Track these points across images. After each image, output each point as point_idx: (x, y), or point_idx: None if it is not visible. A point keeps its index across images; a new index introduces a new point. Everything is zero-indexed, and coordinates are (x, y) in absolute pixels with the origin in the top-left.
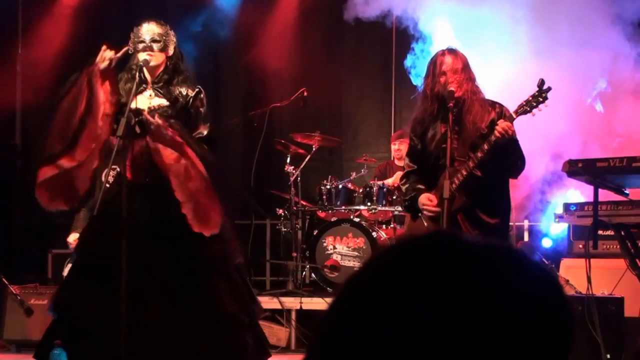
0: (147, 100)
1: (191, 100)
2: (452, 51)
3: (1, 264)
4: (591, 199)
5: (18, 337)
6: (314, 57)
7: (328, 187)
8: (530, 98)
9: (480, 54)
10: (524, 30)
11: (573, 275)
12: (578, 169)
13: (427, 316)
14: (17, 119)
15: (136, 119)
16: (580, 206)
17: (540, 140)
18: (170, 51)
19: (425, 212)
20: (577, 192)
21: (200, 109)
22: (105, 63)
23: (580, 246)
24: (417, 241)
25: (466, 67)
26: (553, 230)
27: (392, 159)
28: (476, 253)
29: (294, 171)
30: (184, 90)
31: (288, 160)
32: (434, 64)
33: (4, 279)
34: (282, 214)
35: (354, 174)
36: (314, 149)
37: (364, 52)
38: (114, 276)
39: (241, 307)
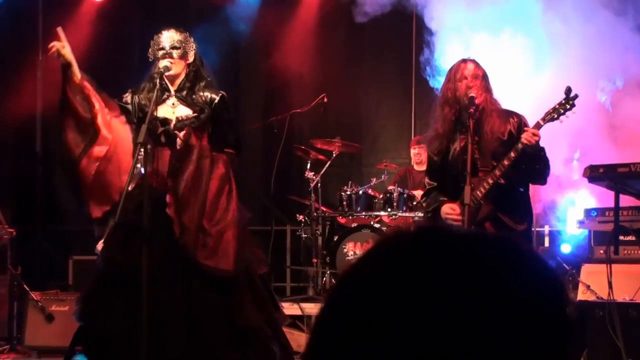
0: (170, 109)
1: (216, 106)
2: (473, 60)
3: (22, 271)
4: (604, 201)
5: (39, 343)
6: (333, 63)
7: (348, 193)
8: (557, 106)
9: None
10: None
11: (594, 280)
12: (599, 174)
13: (415, 312)
14: (37, 125)
15: (162, 128)
16: (601, 212)
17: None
18: (190, 58)
19: (448, 222)
20: (587, 192)
21: (225, 115)
22: (55, 55)
23: (602, 252)
24: (408, 236)
25: (485, 77)
26: (570, 234)
27: (412, 164)
28: (466, 245)
29: (314, 177)
30: (207, 95)
31: (308, 166)
32: (455, 70)
33: (24, 286)
34: (303, 220)
35: (374, 180)
36: (334, 155)
37: (383, 58)
38: (137, 288)
39: (265, 319)
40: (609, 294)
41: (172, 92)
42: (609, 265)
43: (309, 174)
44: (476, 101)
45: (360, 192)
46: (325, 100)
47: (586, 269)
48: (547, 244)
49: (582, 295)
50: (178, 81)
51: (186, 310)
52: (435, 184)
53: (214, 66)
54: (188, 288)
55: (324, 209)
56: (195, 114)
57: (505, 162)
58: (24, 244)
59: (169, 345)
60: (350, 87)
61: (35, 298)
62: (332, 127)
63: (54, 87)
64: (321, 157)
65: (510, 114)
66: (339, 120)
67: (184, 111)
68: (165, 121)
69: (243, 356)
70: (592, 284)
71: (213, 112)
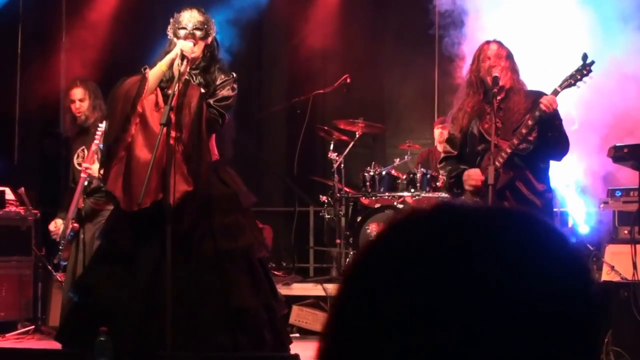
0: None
1: (224, 83)
2: (497, 41)
3: (46, 252)
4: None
5: None
6: (356, 44)
7: (371, 173)
8: (575, 72)
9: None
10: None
11: (618, 261)
12: (623, 154)
13: (437, 292)
14: (61, 107)
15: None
16: (626, 192)
17: None
18: (210, 40)
19: (466, 186)
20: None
21: (228, 89)
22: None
23: (626, 232)
24: (425, 214)
25: (510, 57)
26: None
27: (435, 145)
28: (487, 221)
29: (337, 158)
30: (221, 77)
31: (331, 147)
32: (479, 51)
33: (49, 267)
34: (326, 200)
35: (397, 161)
36: (357, 136)
37: (406, 38)
38: (135, 264)
39: (261, 303)
40: (633, 275)
41: (187, 71)
42: (633, 246)
43: (332, 155)
44: (500, 82)
45: (384, 172)
46: (348, 81)
47: (610, 250)
48: (570, 224)
49: (606, 275)
50: (195, 61)
51: (182, 287)
52: (455, 152)
53: (237, 48)
54: (186, 266)
55: (347, 190)
56: (205, 90)
57: (523, 130)
58: (48, 227)
59: (162, 320)
60: (373, 68)
61: (59, 279)
62: (355, 108)
63: (77, 67)
64: (344, 137)
65: (537, 94)
66: (362, 101)
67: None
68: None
69: (233, 339)
70: (617, 264)
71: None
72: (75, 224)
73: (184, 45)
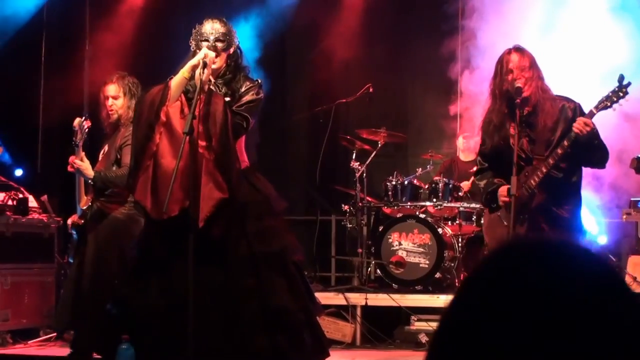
0: None
1: (249, 89)
2: (518, 49)
3: (68, 259)
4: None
5: None
6: (379, 53)
7: (393, 183)
8: (611, 94)
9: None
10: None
11: None
12: None
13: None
14: (84, 112)
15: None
16: None
17: None
18: (232, 50)
19: (501, 201)
20: None
21: (252, 93)
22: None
23: None
24: (521, 249)
25: (534, 65)
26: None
27: (457, 155)
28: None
29: (359, 167)
30: (247, 84)
31: (354, 156)
32: (501, 63)
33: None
34: (348, 210)
35: (419, 170)
36: (379, 145)
37: (429, 47)
38: (170, 273)
39: (298, 305)
40: None
41: (212, 82)
42: None
43: (355, 164)
44: (525, 93)
45: (406, 182)
46: (371, 90)
47: (633, 261)
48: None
49: None
50: (218, 71)
51: (220, 292)
52: (486, 165)
53: (260, 57)
54: (222, 272)
55: (369, 199)
56: (230, 99)
57: (559, 151)
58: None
59: (202, 325)
60: (396, 77)
61: None
62: (378, 117)
63: (101, 76)
64: (367, 147)
65: (564, 100)
66: (385, 111)
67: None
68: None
69: (272, 341)
70: (639, 275)
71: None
72: (80, 220)
73: (204, 53)
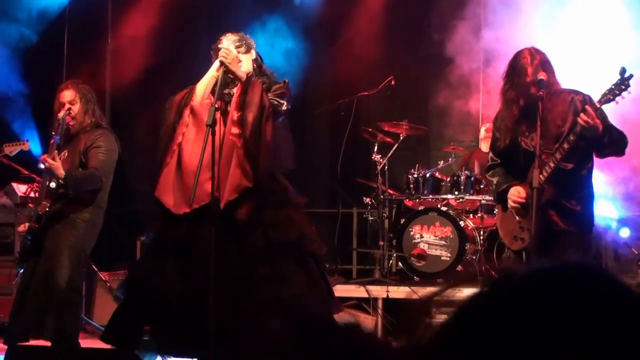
0: None
1: (279, 88)
2: (530, 50)
3: (91, 251)
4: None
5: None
6: (401, 45)
7: (415, 175)
8: (613, 86)
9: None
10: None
11: None
12: None
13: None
14: (106, 105)
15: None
16: None
17: None
18: (254, 54)
19: (509, 203)
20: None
21: (283, 91)
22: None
23: None
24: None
25: (544, 62)
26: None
27: (479, 147)
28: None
29: (381, 160)
30: (275, 86)
31: (375, 149)
32: (515, 60)
33: (93, 266)
34: (369, 202)
35: (441, 163)
36: (401, 138)
37: (451, 40)
38: (190, 261)
39: (317, 295)
40: None
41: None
42: None
43: (376, 157)
44: (545, 86)
45: (427, 174)
46: (393, 82)
47: None
48: (614, 226)
49: None
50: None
51: (237, 278)
52: (499, 160)
53: (282, 51)
54: (240, 258)
55: (391, 192)
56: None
57: (565, 146)
58: None
59: (217, 309)
60: (418, 70)
61: (103, 278)
62: (400, 110)
63: (122, 70)
64: (388, 139)
65: (573, 92)
66: (407, 103)
67: None
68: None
69: (289, 327)
70: None
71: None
72: (35, 224)
73: (226, 50)
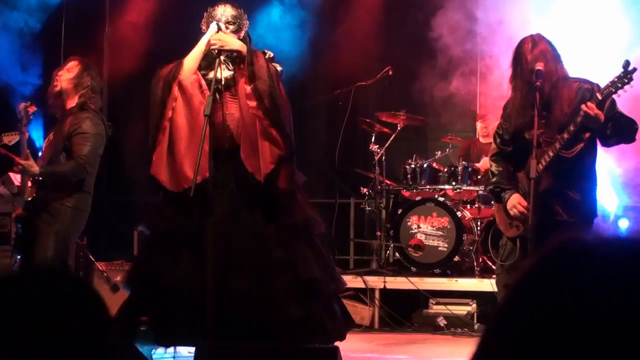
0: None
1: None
2: (534, 37)
3: (88, 241)
4: None
5: None
6: (399, 36)
7: (412, 166)
8: (616, 79)
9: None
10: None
11: None
12: None
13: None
14: (103, 94)
15: (216, 86)
16: None
17: None
18: (242, 34)
19: (512, 211)
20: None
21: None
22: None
23: None
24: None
25: (549, 51)
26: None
27: (477, 137)
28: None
29: (378, 150)
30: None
31: (373, 139)
32: (517, 48)
33: (90, 256)
34: (367, 193)
35: (438, 153)
36: (398, 128)
37: (448, 30)
38: (201, 245)
39: (327, 276)
40: None
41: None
42: None
43: (374, 147)
44: (544, 76)
45: (425, 165)
46: (390, 73)
47: None
48: (612, 219)
49: None
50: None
51: (257, 262)
52: (503, 148)
53: (280, 40)
54: (258, 242)
55: (388, 182)
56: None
57: (565, 135)
58: (90, 215)
59: (239, 296)
60: (416, 60)
61: (100, 268)
62: (397, 100)
63: (120, 58)
64: (386, 130)
65: (581, 81)
66: (404, 93)
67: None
68: (217, 80)
69: (305, 309)
70: None
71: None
72: (24, 212)
73: (214, 27)
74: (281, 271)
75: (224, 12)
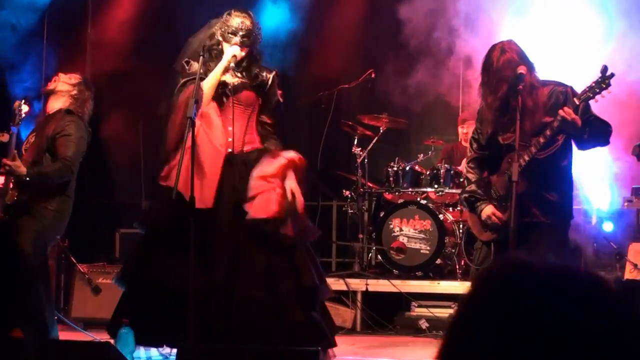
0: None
1: (269, 82)
2: (503, 45)
3: (69, 243)
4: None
5: (86, 315)
6: (381, 38)
7: (395, 169)
8: (594, 84)
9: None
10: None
11: None
12: None
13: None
14: None
15: (221, 90)
16: None
17: None
18: (255, 49)
19: (486, 220)
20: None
21: (278, 95)
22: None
23: None
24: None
25: (521, 55)
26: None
27: (459, 141)
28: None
29: (361, 153)
30: (264, 74)
31: (355, 142)
32: (487, 55)
33: (72, 258)
34: (349, 195)
35: (421, 156)
36: (381, 131)
37: (432, 34)
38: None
39: (322, 281)
40: None
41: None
42: None
43: (356, 150)
44: (525, 80)
45: (407, 168)
46: (373, 75)
47: (634, 248)
48: (593, 222)
49: (629, 274)
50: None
51: (265, 270)
52: (479, 153)
53: (263, 42)
54: (266, 250)
55: (371, 185)
56: (249, 80)
57: (541, 140)
58: (72, 217)
59: (250, 302)
60: (398, 63)
61: (82, 270)
62: (380, 103)
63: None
64: (368, 132)
65: (555, 84)
66: (386, 96)
67: (242, 80)
68: (225, 84)
69: (308, 316)
70: None
71: (266, 89)
72: (3, 215)
73: (235, 51)
74: (285, 278)
75: (242, 25)
